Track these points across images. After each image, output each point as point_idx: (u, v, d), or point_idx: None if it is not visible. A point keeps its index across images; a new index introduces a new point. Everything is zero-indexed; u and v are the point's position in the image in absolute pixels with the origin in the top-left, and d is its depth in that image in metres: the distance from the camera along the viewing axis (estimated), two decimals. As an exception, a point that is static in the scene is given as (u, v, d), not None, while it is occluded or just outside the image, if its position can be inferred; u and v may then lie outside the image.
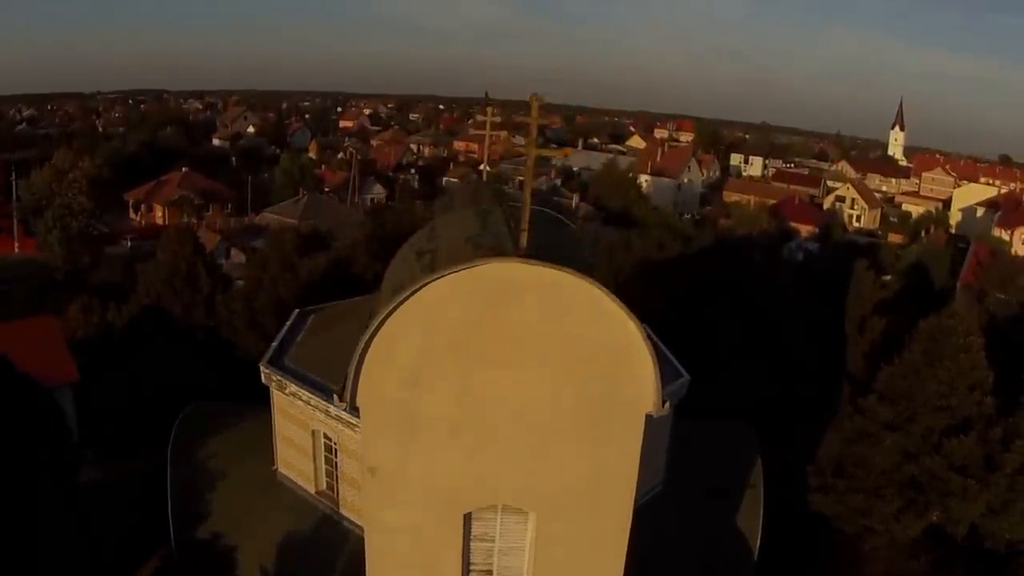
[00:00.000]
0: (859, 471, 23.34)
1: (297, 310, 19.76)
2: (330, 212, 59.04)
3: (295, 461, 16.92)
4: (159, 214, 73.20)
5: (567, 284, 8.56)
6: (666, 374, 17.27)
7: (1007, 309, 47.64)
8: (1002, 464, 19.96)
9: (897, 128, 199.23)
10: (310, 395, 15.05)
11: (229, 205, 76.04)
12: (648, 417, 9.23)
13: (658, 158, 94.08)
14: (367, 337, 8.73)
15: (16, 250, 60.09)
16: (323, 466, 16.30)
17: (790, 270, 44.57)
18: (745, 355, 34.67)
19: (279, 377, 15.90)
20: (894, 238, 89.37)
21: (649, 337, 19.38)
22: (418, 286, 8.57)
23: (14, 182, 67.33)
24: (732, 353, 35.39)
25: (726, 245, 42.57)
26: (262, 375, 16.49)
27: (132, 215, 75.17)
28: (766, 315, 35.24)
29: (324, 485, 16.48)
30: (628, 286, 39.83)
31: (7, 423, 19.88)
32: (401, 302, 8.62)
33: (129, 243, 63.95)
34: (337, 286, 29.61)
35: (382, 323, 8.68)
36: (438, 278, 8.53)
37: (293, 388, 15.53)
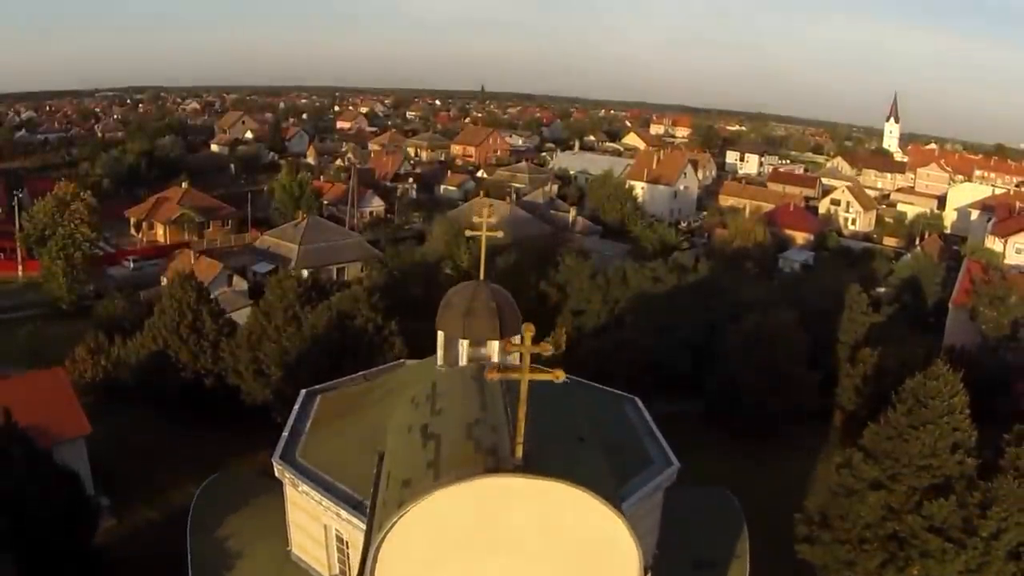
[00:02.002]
0: (844, 523, 24.37)
1: (304, 391, 20.56)
2: (330, 235, 59.56)
3: (308, 546, 17.83)
4: (160, 232, 73.52)
5: (562, 491, 9.48)
6: (657, 462, 18.28)
7: (998, 330, 48.65)
8: (979, 528, 20.91)
9: (892, 120, 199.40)
10: (322, 496, 15.93)
11: (229, 222, 76.41)
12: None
13: (654, 165, 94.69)
14: (379, 538, 9.65)
15: (20, 273, 60.50)
16: (335, 553, 17.20)
17: (787, 298, 45.26)
18: (742, 386, 35.60)
19: (291, 475, 16.77)
20: (889, 241, 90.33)
21: (641, 416, 20.31)
22: (423, 498, 9.51)
23: (16, 200, 67.39)
24: (730, 383, 36.35)
25: (720, 276, 43.21)
26: (275, 470, 17.35)
27: (133, 232, 75.46)
28: (762, 346, 35.98)
29: (336, 570, 17.39)
30: (625, 319, 40.69)
31: (19, 492, 20.79)
32: (408, 509, 9.55)
33: (132, 265, 64.36)
34: (339, 339, 30.50)
35: (392, 527, 9.60)
36: (442, 487, 9.46)
37: (305, 488, 16.41)
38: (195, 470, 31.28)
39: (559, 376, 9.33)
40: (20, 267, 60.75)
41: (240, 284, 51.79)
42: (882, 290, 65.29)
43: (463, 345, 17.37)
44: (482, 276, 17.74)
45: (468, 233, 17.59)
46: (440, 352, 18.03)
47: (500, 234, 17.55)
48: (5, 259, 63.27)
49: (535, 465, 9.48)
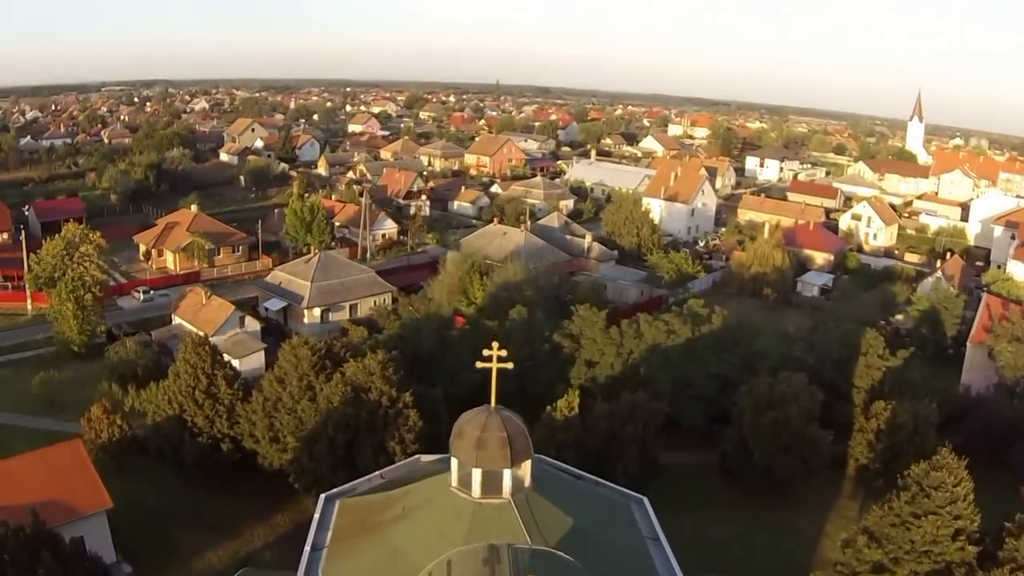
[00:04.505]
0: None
1: (323, 496, 20.91)
2: (342, 271, 59.24)
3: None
4: (170, 260, 72.57)
5: None
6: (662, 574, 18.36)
7: (1016, 371, 47.68)
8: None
9: (916, 119, 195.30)
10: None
11: (240, 248, 76.00)
12: None
13: (671, 182, 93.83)
14: None
15: (29, 305, 58.41)
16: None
17: (802, 344, 44.89)
18: (754, 447, 35.35)
19: (316, 599, 17.13)
20: (911, 257, 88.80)
21: (648, 521, 20.26)
22: None
23: (24, 227, 67.72)
24: (742, 443, 36.10)
25: (734, 328, 42.86)
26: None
27: (142, 260, 74.22)
28: (774, 407, 35.64)
29: None
30: (639, 370, 40.41)
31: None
32: None
33: (142, 296, 63.30)
34: (355, 413, 30.70)
35: None
36: None
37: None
38: (214, 535, 31.94)
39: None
40: (29, 298, 58.68)
41: (252, 324, 51.61)
42: (900, 318, 64.46)
43: (476, 473, 17.63)
44: (493, 403, 17.92)
45: (479, 365, 17.77)
46: (454, 475, 18.35)
47: (510, 366, 17.68)
48: (13, 289, 61.37)
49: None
